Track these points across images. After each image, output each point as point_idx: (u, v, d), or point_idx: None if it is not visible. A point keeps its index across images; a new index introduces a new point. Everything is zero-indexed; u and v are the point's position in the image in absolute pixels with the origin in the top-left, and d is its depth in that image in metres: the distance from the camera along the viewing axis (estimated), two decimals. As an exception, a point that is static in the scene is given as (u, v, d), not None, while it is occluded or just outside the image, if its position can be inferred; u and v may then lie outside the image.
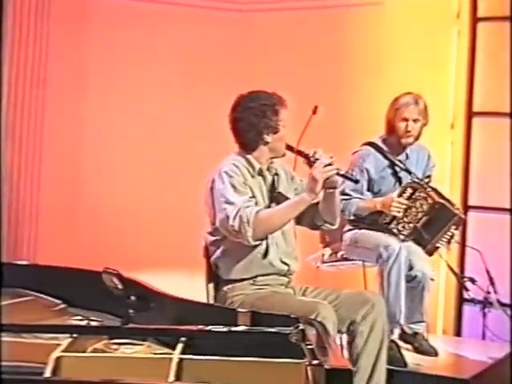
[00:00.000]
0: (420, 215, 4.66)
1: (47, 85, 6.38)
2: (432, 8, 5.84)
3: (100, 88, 6.61)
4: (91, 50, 6.64)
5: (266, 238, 3.80)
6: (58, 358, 2.21)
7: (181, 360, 2.25)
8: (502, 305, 4.68)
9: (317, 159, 3.70)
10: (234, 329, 2.51)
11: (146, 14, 6.65)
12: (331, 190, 3.77)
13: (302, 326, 2.41)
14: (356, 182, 4.30)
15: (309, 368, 2.16)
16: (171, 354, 2.32)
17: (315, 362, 2.12)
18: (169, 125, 6.40)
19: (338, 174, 3.74)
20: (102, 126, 6.58)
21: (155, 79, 6.60)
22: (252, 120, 3.80)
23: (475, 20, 5.87)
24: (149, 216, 6.06)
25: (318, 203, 3.83)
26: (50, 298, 2.87)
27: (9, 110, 6.21)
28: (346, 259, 4.83)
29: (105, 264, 2.98)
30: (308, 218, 3.91)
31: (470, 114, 5.88)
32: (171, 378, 2.16)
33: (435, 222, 4.71)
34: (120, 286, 2.76)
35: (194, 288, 3.55)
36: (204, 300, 3.73)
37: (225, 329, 2.44)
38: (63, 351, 2.28)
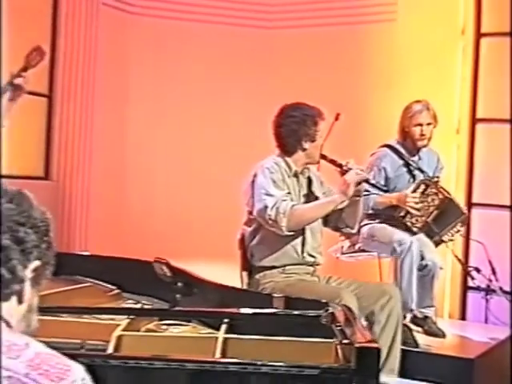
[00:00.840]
0: (431, 209, 4.67)
1: (96, 97, 6.42)
2: (439, 25, 5.83)
3: (141, 98, 6.63)
4: (133, 66, 6.69)
5: (297, 231, 3.84)
6: (119, 337, 2.23)
7: (225, 339, 2.25)
8: (504, 292, 4.67)
9: (350, 168, 3.75)
10: (271, 311, 2.54)
11: (182, 31, 6.66)
12: (357, 198, 3.82)
13: (331, 310, 2.42)
14: (385, 191, 4.42)
15: (339, 347, 2.15)
16: (215, 333, 2.34)
17: (345, 341, 2.14)
18: (205, 130, 6.40)
19: (367, 181, 3.83)
20: (143, 130, 6.64)
21: (192, 90, 6.59)
22: (293, 127, 3.86)
23: (479, 36, 5.85)
24: (189, 213, 6.06)
25: (342, 209, 3.86)
26: (106, 285, 2.88)
27: (62, 121, 6.28)
28: (363, 251, 4.81)
29: (148, 253, 3.01)
30: (333, 221, 3.97)
31: (474, 121, 5.85)
32: (218, 354, 2.17)
33: (444, 216, 4.73)
34: (168, 274, 2.77)
35: (228, 277, 3.58)
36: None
37: (264, 311, 2.47)
38: (122, 331, 2.30)
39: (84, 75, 6.39)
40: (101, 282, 2.89)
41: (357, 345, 2.03)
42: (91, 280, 2.88)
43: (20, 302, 1.56)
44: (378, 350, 2.05)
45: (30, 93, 4.60)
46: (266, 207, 3.73)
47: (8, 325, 1.51)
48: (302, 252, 3.89)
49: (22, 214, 1.57)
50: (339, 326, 2.28)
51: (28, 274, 1.55)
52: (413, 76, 5.75)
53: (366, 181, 3.86)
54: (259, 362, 2.05)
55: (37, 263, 1.56)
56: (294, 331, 2.30)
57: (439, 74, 5.80)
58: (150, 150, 6.58)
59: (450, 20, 5.86)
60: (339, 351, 2.15)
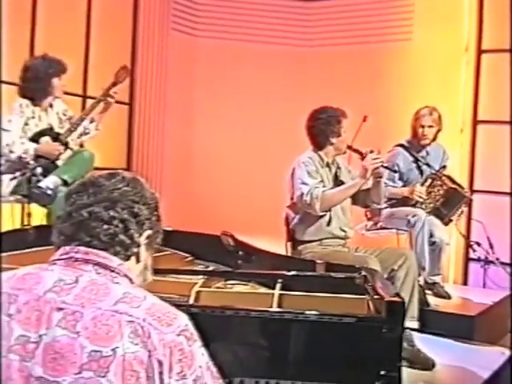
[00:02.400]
0: (438, 197, 4.70)
1: (167, 104, 6.50)
2: (447, 43, 5.82)
3: (204, 104, 6.65)
4: (197, 78, 6.71)
5: (329, 211, 3.87)
6: (197, 292, 2.30)
7: (279, 295, 2.29)
8: (501, 263, 4.66)
9: (367, 154, 3.78)
10: (315, 274, 2.57)
11: (236, 51, 6.67)
12: (378, 179, 3.85)
13: (363, 273, 2.45)
14: (394, 171, 4.43)
15: (370, 301, 2.19)
16: (271, 291, 2.36)
17: (376, 296, 2.18)
18: (257, 131, 6.44)
19: (382, 165, 3.81)
20: (206, 130, 6.62)
21: (245, 96, 6.61)
22: (321, 127, 3.90)
23: (479, 52, 5.82)
24: (245, 197, 6.11)
25: (368, 189, 3.91)
26: (182, 253, 2.94)
27: (140, 123, 6.34)
28: (383, 228, 4.83)
29: (212, 229, 3.02)
30: (361, 199, 4.02)
31: (475, 122, 5.83)
32: (274, 306, 2.20)
33: (450, 202, 4.75)
34: (232, 244, 2.80)
35: (275, 248, 3.60)
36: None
37: (309, 274, 2.52)
38: (199, 287, 2.36)
39: (157, 87, 6.46)
40: (179, 252, 2.93)
41: (386, 299, 2.07)
42: (171, 250, 2.92)
43: (137, 261, 1.64)
44: (403, 303, 2.08)
45: (116, 101, 4.67)
46: (302, 194, 3.79)
47: (131, 281, 1.58)
48: (335, 228, 3.92)
49: (137, 194, 1.63)
50: (370, 285, 2.31)
51: (143, 240, 1.62)
52: (425, 85, 5.74)
53: (383, 166, 3.85)
54: (307, 312, 2.08)
55: (149, 232, 1.64)
56: (333, 289, 2.31)
57: (447, 83, 5.80)
58: (212, 147, 6.60)
59: (456, 39, 5.84)
60: (371, 305, 2.18)
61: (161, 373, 1.41)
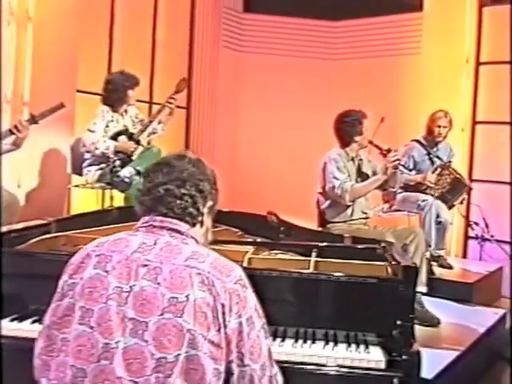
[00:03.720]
0: (445, 184, 4.70)
1: (218, 108, 6.56)
2: (450, 56, 5.76)
3: (249, 109, 6.70)
4: (243, 87, 6.72)
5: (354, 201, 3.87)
6: (249, 258, 2.35)
7: (315, 261, 2.33)
8: (496, 240, 4.66)
9: (388, 151, 3.78)
10: (344, 245, 2.59)
11: (275, 64, 6.65)
12: (394, 170, 3.82)
13: (383, 244, 2.50)
14: (409, 170, 4.56)
15: (389, 267, 2.23)
16: (308, 258, 2.39)
17: (394, 262, 2.21)
18: (294, 131, 6.43)
19: (399, 163, 3.84)
20: (251, 131, 6.65)
21: (283, 103, 6.60)
22: (346, 129, 3.90)
23: (478, 64, 5.77)
24: (283, 184, 6.11)
25: (387, 180, 3.86)
26: (234, 229, 2.93)
27: (195, 124, 6.36)
28: (397, 210, 4.82)
29: (255, 209, 3.05)
30: (381, 185, 3.92)
31: (474, 123, 5.80)
32: (311, 269, 2.26)
33: (454, 189, 4.75)
34: (275, 221, 2.83)
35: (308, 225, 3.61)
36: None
37: (339, 244, 2.56)
38: (251, 255, 2.40)
39: (210, 95, 6.47)
40: (232, 228, 2.93)
41: (402, 264, 2.11)
42: (227, 226, 2.92)
43: (201, 226, 1.67)
44: (416, 268, 2.12)
45: (176, 106, 4.68)
46: (334, 187, 3.79)
47: (196, 242, 1.61)
48: (357, 211, 3.92)
49: (201, 174, 1.67)
50: (389, 254, 2.35)
51: (205, 210, 1.66)
52: (432, 92, 5.70)
53: (400, 164, 3.87)
54: (338, 274, 2.12)
55: (210, 203, 1.68)
56: (358, 257, 2.35)
57: (450, 90, 5.75)
58: (255, 144, 6.63)
59: (458, 53, 5.77)
60: (389, 269, 2.22)
61: (223, 313, 1.44)
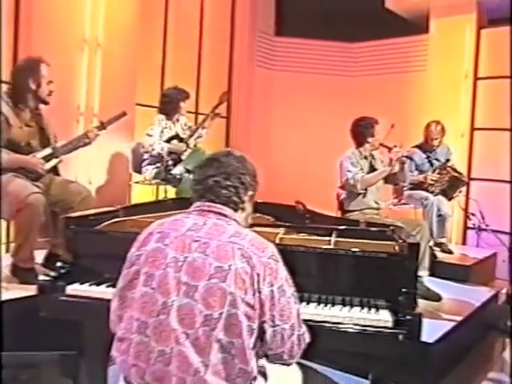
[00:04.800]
0: (444, 182, 4.67)
1: (252, 117, 6.56)
2: (452, 72, 5.74)
3: (280, 117, 6.71)
4: (275, 100, 6.74)
5: (366, 190, 3.88)
6: (280, 238, 2.36)
7: (335, 241, 2.33)
8: (492, 230, 4.65)
9: (394, 147, 3.82)
10: (360, 227, 2.59)
11: (301, 80, 6.67)
12: (402, 165, 3.85)
13: (392, 227, 2.49)
14: (411, 159, 4.48)
15: (396, 246, 2.21)
16: (329, 238, 2.37)
17: (400, 241, 2.20)
18: (317, 135, 6.46)
19: (402, 155, 3.84)
20: (280, 136, 6.65)
21: (309, 115, 6.61)
22: (361, 131, 3.92)
23: (476, 79, 5.74)
24: (309, 177, 6.10)
25: (395, 173, 3.89)
26: (267, 216, 2.85)
27: (234, 131, 6.36)
28: (405, 204, 4.83)
29: (286, 200, 2.95)
30: (391, 180, 4.00)
31: (473, 129, 5.78)
32: (332, 246, 2.28)
33: (452, 185, 4.72)
34: (302, 210, 2.79)
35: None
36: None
37: (355, 227, 2.55)
38: (282, 235, 2.41)
39: (246, 106, 6.46)
40: (266, 215, 2.85)
41: (408, 242, 2.12)
42: (261, 214, 2.83)
43: (243, 211, 1.70)
44: (418, 245, 2.13)
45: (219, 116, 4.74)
46: (347, 178, 3.83)
47: (238, 223, 1.65)
48: (370, 200, 3.93)
49: (243, 168, 1.70)
50: (397, 235, 2.34)
51: (246, 198, 1.70)
52: (436, 103, 5.70)
53: (403, 155, 3.88)
54: (355, 249, 2.13)
55: (251, 192, 1.72)
56: (371, 238, 2.33)
57: (452, 102, 5.73)
58: (284, 147, 6.63)
59: (458, 70, 5.75)
60: (396, 247, 2.21)
61: (258, 281, 1.48)
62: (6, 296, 2.85)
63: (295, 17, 6.60)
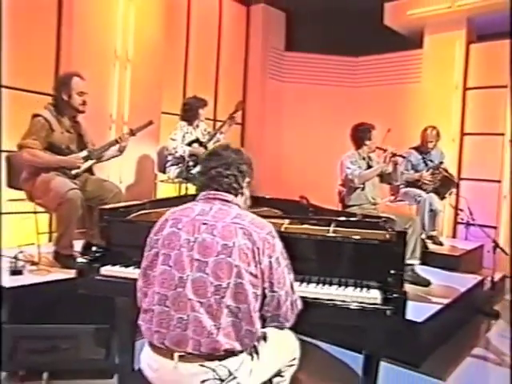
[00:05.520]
0: (436, 181, 4.68)
1: (266, 123, 6.57)
2: (444, 84, 5.74)
3: (290, 123, 6.68)
4: (285, 108, 6.73)
5: (364, 185, 3.87)
6: (285, 227, 2.35)
7: (334, 230, 2.30)
8: (478, 225, 4.65)
9: (386, 150, 3.81)
10: (356, 218, 2.55)
11: (309, 90, 6.67)
12: (395, 166, 3.85)
13: (383, 219, 2.39)
14: (403, 157, 4.28)
15: (387, 234, 2.15)
16: (328, 228, 2.33)
17: (390, 230, 2.17)
18: (323, 139, 6.43)
19: (395, 154, 3.83)
20: (291, 140, 6.63)
21: (315, 121, 6.62)
22: (360, 135, 3.93)
23: (465, 89, 5.73)
24: (315, 175, 6.04)
25: (390, 173, 3.90)
26: (275, 210, 2.80)
27: (248, 137, 6.41)
28: (400, 200, 4.83)
29: (293, 195, 2.94)
30: (386, 179, 3.99)
31: (463, 134, 5.76)
32: (331, 232, 2.27)
33: (444, 185, 4.73)
34: (306, 204, 2.77)
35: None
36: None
37: (352, 219, 2.51)
38: (286, 225, 2.40)
39: (259, 114, 6.49)
40: (273, 209, 2.81)
41: (396, 230, 2.11)
42: (269, 208, 2.83)
43: (242, 196, 1.75)
44: (405, 233, 2.11)
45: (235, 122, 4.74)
46: (347, 174, 3.84)
47: (239, 207, 1.69)
48: (367, 195, 3.93)
49: (241, 159, 1.75)
50: (388, 225, 2.28)
51: (244, 184, 1.75)
52: (429, 111, 5.68)
53: (395, 154, 3.85)
54: (350, 237, 2.13)
55: (248, 179, 1.77)
56: (366, 228, 2.29)
57: (444, 110, 5.71)
58: (294, 150, 6.61)
59: (449, 81, 5.73)
60: (387, 236, 2.15)
61: (258, 254, 1.54)
62: (49, 278, 2.99)
63: (303, 34, 6.63)
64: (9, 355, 2.49)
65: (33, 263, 3.21)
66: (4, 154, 3.58)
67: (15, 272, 2.96)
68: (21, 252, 3.16)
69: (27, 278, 2.93)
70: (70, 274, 2.63)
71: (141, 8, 4.75)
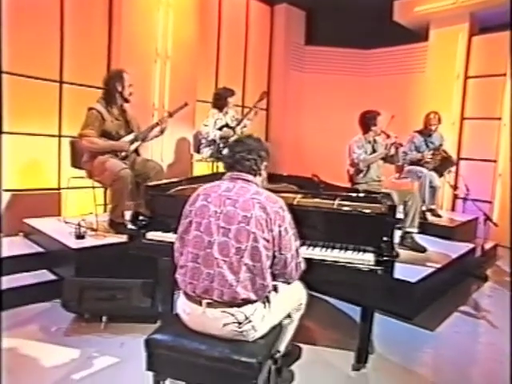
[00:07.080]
0: (436, 161, 4.65)
1: (287, 108, 6.51)
2: (446, 73, 5.62)
3: (309, 111, 6.61)
4: (305, 97, 6.65)
5: (369, 167, 3.84)
6: (298, 200, 2.38)
7: (339, 203, 2.33)
8: (472, 199, 4.63)
9: (389, 136, 3.77)
10: (360, 194, 2.51)
11: (326, 80, 6.59)
12: (396, 149, 3.80)
13: (382, 195, 2.43)
14: (401, 145, 3.93)
15: (383, 207, 2.19)
16: (334, 201, 2.37)
17: (385, 203, 2.24)
18: (338, 125, 6.32)
19: (395, 142, 3.77)
20: (311, 123, 6.56)
21: (332, 107, 6.54)
22: (366, 122, 3.87)
23: (466, 78, 5.61)
24: (328, 156, 5.95)
25: (392, 155, 3.83)
26: (291, 185, 2.77)
27: (273, 121, 6.34)
28: (404, 177, 4.78)
29: (307, 172, 2.90)
30: (389, 160, 3.91)
31: (462, 118, 5.66)
32: (335, 205, 2.31)
33: (443, 164, 4.69)
34: (317, 181, 2.75)
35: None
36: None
37: (356, 194, 2.50)
38: (299, 199, 2.42)
39: (282, 101, 6.44)
40: (290, 185, 2.78)
41: (388, 204, 2.17)
42: (286, 183, 2.81)
43: (260, 176, 1.79)
44: (395, 206, 2.14)
45: (260, 108, 4.71)
46: (353, 158, 3.81)
47: (257, 186, 1.72)
48: (373, 175, 3.89)
49: (261, 146, 1.79)
50: (385, 200, 2.33)
51: (262, 167, 1.79)
52: (432, 98, 5.61)
53: (396, 143, 3.77)
54: (351, 209, 2.19)
55: (265, 163, 1.81)
56: (366, 202, 2.33)
57: (445, 96, 5.62)
58: (312, 133, 6.55)
59: (451, 70, 5.61)
60: (383, 208, 2.21)
61: (271, 223, 1.59)
62: (106, 241, 3.19)
63: (321, 30, 6.58)
64: (77, 301, 2.70)
65: (92, 229, 3.38)
66: (66, 140, 3.83)
67: (79, 236, 3.16)
68: (83, 220, 3.37)
69: (88, 241, 3.11)
70: (122, 238, 2.78)
71: (178, 11, 4.81)
